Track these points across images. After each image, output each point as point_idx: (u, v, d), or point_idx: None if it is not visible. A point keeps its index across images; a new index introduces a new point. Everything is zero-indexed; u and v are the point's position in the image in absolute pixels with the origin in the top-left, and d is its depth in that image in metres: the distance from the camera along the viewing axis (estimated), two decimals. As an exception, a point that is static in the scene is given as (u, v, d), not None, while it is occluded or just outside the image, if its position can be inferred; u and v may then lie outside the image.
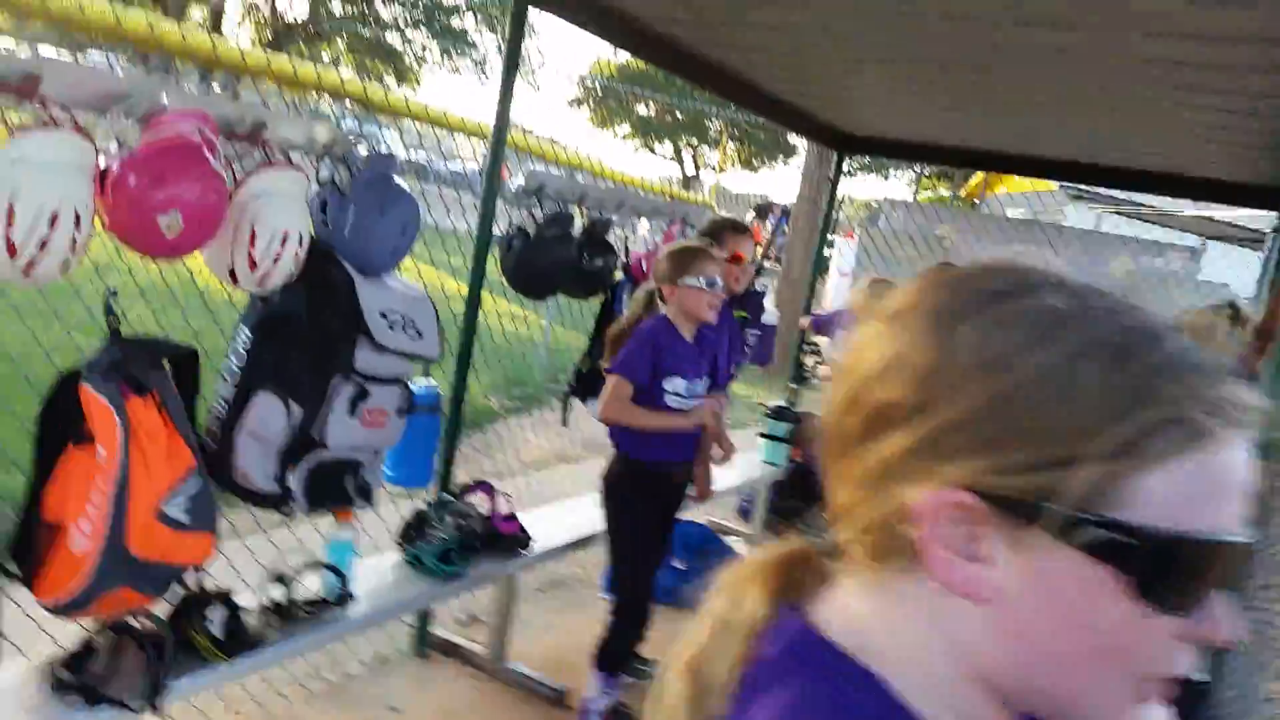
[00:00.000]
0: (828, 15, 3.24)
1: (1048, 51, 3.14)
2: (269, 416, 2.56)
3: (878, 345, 0.66)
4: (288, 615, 2.55)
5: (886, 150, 5.89)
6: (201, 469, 2.24)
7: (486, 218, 3.44)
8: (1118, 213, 14.28)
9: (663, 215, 4.48)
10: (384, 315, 2.65)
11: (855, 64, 3.93)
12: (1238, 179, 4.80)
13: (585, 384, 4.36)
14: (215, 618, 2.33)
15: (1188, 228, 14.00)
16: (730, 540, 5.24)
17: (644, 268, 4.28)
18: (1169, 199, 11.32)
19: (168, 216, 2.10)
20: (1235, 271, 7.89)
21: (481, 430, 6.48)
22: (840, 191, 6.29)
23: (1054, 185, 14.14)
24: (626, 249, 4.23)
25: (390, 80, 25.38)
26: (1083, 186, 13.67)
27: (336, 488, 2.78)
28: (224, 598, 2.40)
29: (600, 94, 32.70)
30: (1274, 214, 9.34)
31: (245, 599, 2.51)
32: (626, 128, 35.01)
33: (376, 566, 3.05)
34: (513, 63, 3.40)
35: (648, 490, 3.31)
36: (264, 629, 2.46)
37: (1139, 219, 13.79)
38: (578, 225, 3.81)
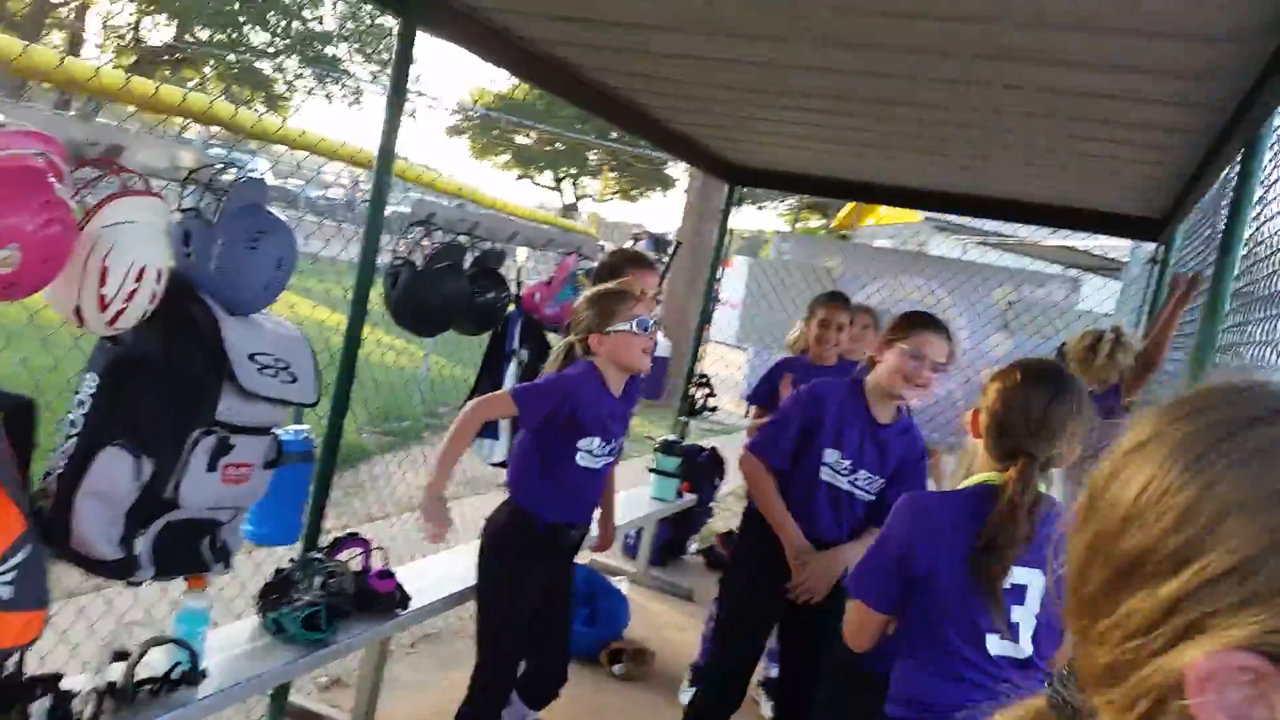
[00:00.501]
0: (722, 46, 3.15)
1: (931, 83, 3.12)
2: (116, 474, 2.23)
3: (1120, 486, 0.58)
4: (126, 699, 2.22)
5: (776, 182, 5.86)
6: (32, 535, 1.92)
7: (370, 248, 3.17)
8: (982, 244, 14.81)
9: (556, 246, 4.28)
10: (253, 358, 2.36)
11: (746, 96, 3.86)
12: (1121, 210, 4.92)
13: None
14: (37, 710, 2.00)
15: (1050, 257, 14.64)
16: (615, 580, 5.04)
17: (536, 300, 4.07)
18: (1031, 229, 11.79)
19: (4, 251, 1.80)
20: (1114, 301, 8.17)
21: (353, 469, 6.12)
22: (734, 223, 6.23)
23: (920, 216, 14.63)
24: (518, 281, 4.02)
25: (261, 107, 24.60)
26: (948, 218, 14.17)
27: (190, 551, 2.46)
28: (51, 682, 2.06)
29: (480, 123, 32.37)
30: (1134, 243, 9.81)
31: (76, 680, 2.18)
32: (507, 157, 34.77)
33: (232, 635, 2.72)
34: (400, 87, 3.17)
35: (538, 551, 2.93)
36: (97, 718, 2.13)
37: (1003, 249, 14.33)
38: (468, 257, 3.58)
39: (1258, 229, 2.81)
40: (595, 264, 4.37)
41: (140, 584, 2.40)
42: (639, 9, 2.92)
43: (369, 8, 24.56)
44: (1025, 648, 1.89)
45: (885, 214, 14.88)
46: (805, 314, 4.25)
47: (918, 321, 2.84)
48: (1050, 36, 2.42)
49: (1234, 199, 2.56)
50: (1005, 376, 2.00)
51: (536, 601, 2.96)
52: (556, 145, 32.84)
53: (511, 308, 3.90)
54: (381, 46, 25.99)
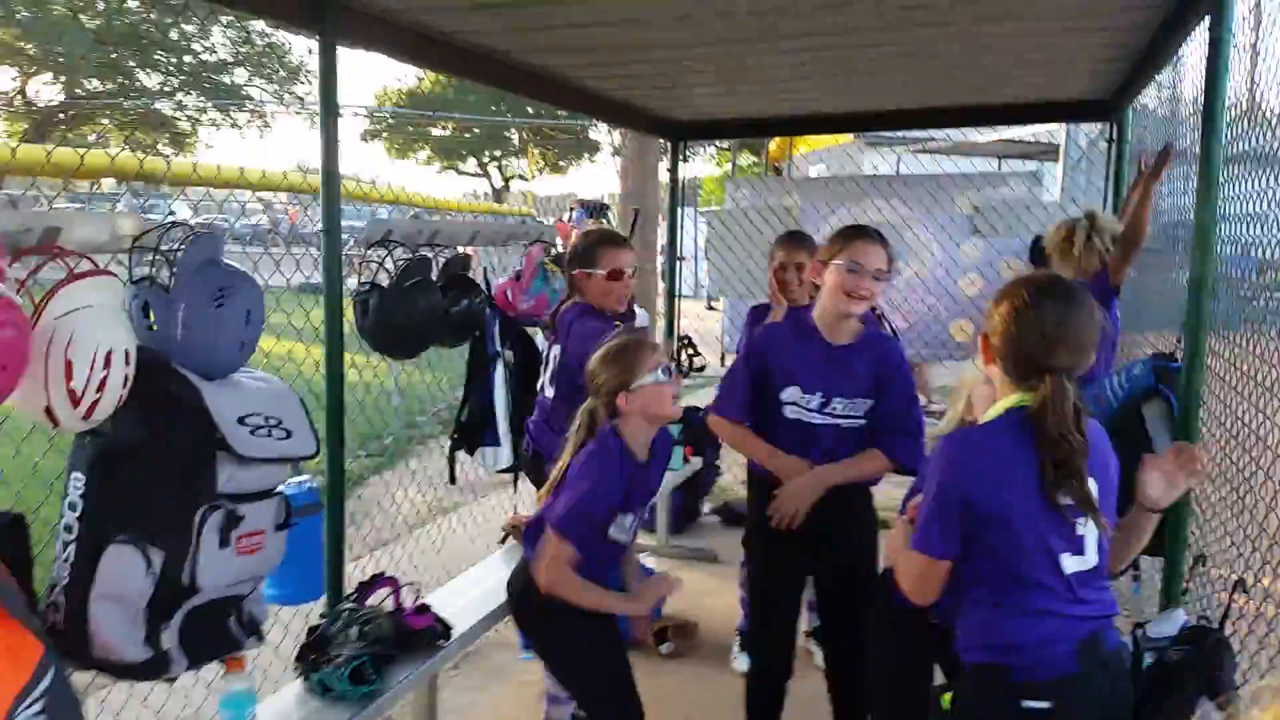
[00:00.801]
0: (642, 5, 3.04)
1: (866, 7, 3.06)
2: (126, 572, 2.09)
3: None
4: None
5: (721, 131, 5.75)
6: (52, 655, 1.79)
7: (333, 272, 3.00)
8: (915, 152, 14.82)
9: (518, 239, 4.14)
10: (243, 421, 2.22)
11: (677, 52, 3.76)
12: (1072, 96, 4.86)
13: (466, 433, 4.00)
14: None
15: (983, 152, 14.67)
16: (640, 559, 4.97)
17: (509, 298, 3.94)
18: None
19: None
20: (1057, 186, 8.16)
21: (349, 498, 5.98)
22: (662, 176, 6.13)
23: (850, 136, 14.59)
24: (487, 281, 3.88)
25: (168, 150, 24.02)
26: (876, 133, 14.15)
27: (219, 633, 2.33)
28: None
29: (394, 123, 31.80)
30: (1069, 126, 9.81)
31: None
32: (426, 152, 34.25)
33: (280, 708, 2.60)
34: (330, 106, 3.01)
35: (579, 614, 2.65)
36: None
37: (936, 153, 14.35)
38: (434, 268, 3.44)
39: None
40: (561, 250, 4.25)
41: (175, 679, 2.27)
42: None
43: (258, 30, 23.92)
44: (1092, 558, 1.88)
45: (814, 139, 14.79)
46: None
47: (850, 234, 2.78)
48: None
49: (1209, 69, 2.49)
50: (1012, 296, 1.94)
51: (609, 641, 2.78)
52: (475, 131, 32.39)
53: (487, 310, 3.77)
54: (279, 66, 25.36)
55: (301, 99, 25.29)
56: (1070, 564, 1.85)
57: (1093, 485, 1.86)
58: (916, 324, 5.70)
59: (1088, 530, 1.87)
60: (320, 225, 3.05)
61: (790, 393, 2.84)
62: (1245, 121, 2.96)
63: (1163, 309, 4.12)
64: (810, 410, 2.83)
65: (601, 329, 2.98)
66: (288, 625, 3.29)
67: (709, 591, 4.81)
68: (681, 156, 5.85)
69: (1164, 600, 2.66)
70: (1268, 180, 2.61)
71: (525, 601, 2.73)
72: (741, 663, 3.95)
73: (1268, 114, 2.81)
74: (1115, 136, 4.99)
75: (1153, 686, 1.93)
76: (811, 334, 2.83)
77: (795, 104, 5.13)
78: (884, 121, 5.76)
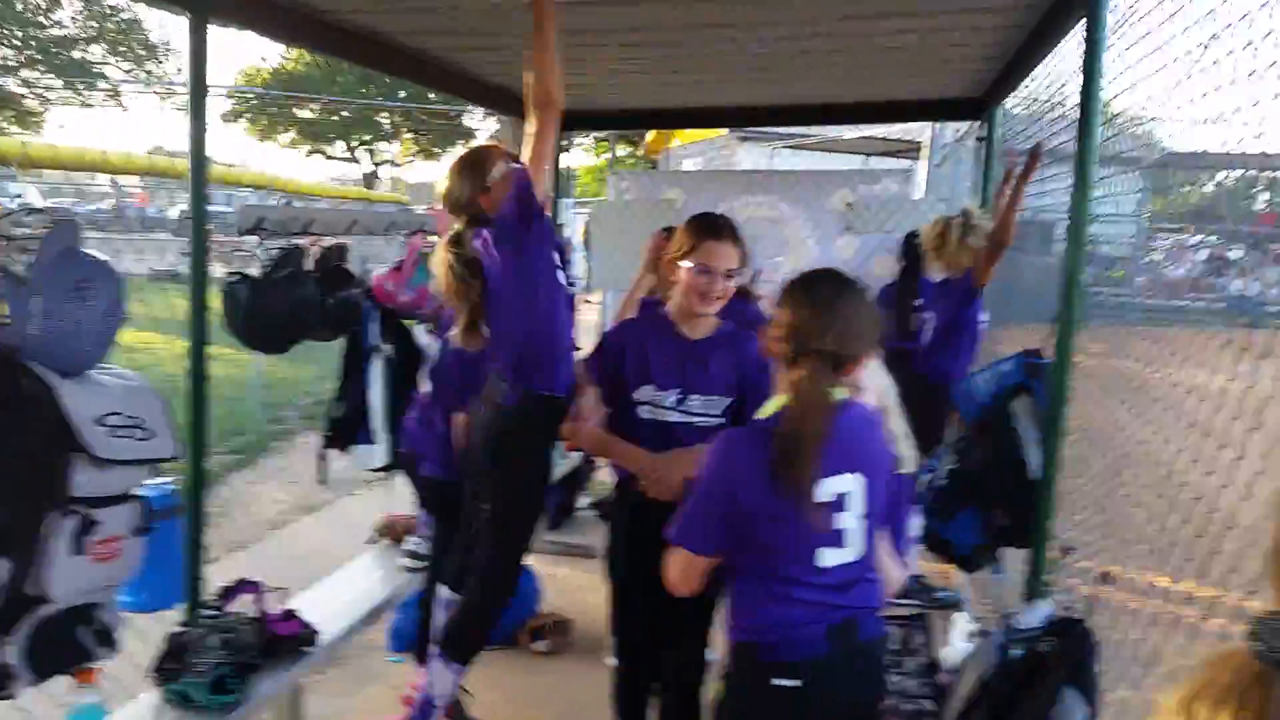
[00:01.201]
0: None
1: (744, 3, 3.07)
2: (-35, 585, 1.93)
3: None
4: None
5: (601, 122, 5.70)
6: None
7: (200, 262, 2.82)
8: (788, 147, 15.15)
9: (399, 228, 4.01)
10: (102, 421, 2.07)
11: (560, 38, 3.69)
12: (944, 95, 4.99)
13: (339, 431, 3.85)
14: None
15: (850, 149, 15.07)
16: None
17: (388, 289, 3.81)
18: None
19: None
20: (922, 184, 8.40)
21: (208, 497, 5.70)
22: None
23: (724, 131, 14.77)
24: (364, 272, 3.74)
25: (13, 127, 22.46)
26: (752, 128, 14.39)
27: (70, 644, 2.19)
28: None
29: (258, 104, 30.52)
30: (933, 125, 10.15)
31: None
32: (292, 134, 33.02)
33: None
34: (200, 88, 2.84)
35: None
36: None
37: (806, 149, 14.70)
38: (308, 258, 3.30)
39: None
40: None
41: (15, 697, 2.10)
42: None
43: (110, 4, 22.61)
44: (854, 550, 1.93)
45: (689, 132, 14.95)
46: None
47: (700, 233, 2.65)
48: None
49: (1085, 70, 2.57)
50: (787, 291, 2.00)
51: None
52: (344, 114, 31.43)
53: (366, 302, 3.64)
54: (135, 43, 24.01)
55: (159, 78, 24.06)
56: (828, 557, 1.90)
57: (850, 484, 1.91)
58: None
59: (847, 523, 1.91)
60: (185, 210, 2.87)
61: (646, 391, 2.70)
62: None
63: (1029, 304, 4.28)
64: (665, 409, 2.69)
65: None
66: (144, 632, 3.09)
67: (587, 587, 4.78)
68: (561, 147, 5.77)
69: (1028, 592, 2.73)
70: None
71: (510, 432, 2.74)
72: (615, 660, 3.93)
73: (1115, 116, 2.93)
74: (986, 134, 5.16)
75: (1022, 677, 2.00)
76: (668, 327, 2.71)
77: (674, 97, 5.12)
78: (761, 117, 5.83)
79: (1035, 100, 4.53)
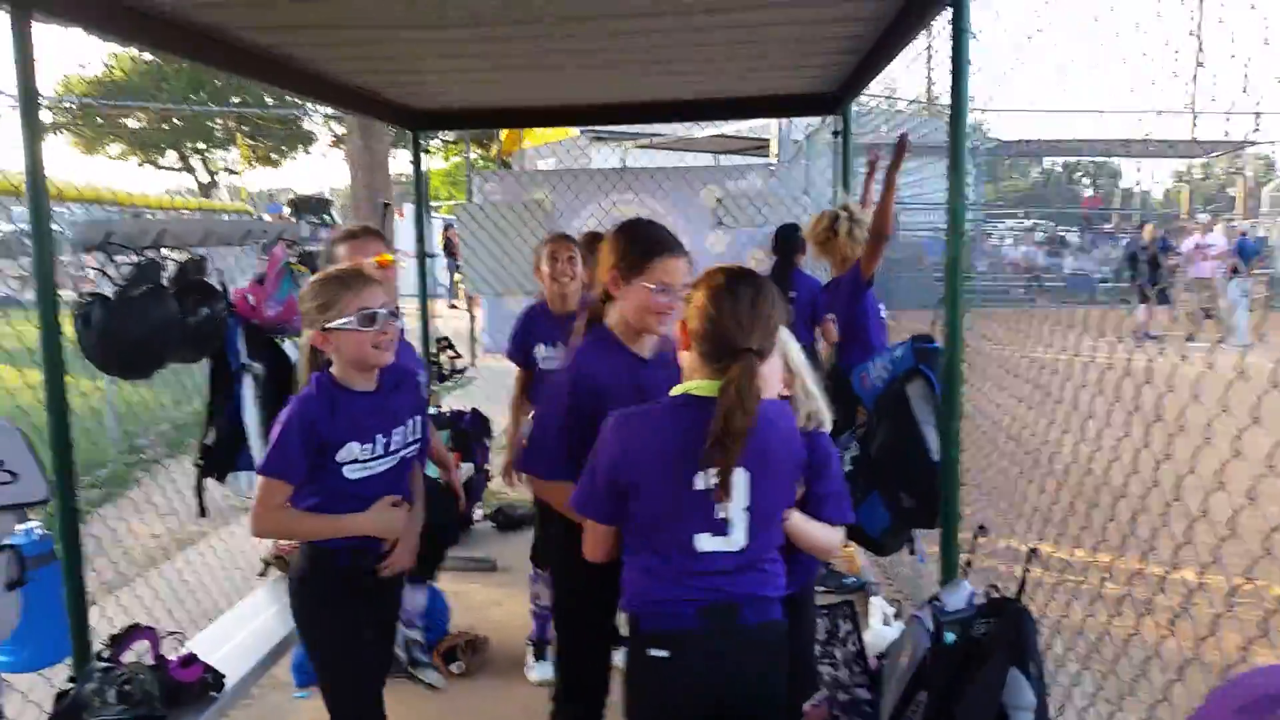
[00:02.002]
0: None
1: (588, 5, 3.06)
2: None
3: None
4: None
5: (459, 121, 5.56)
6: None
7: (46, 283, 2.58)
8: (639, 146, 15.25)
9: (255, 239, 3.80)
10: (-43, 466, 1.87)
11: (415, 34, 3.58)
12: (798, 91, 5.07)
13: (213, 458, 3.62)
14: None
15: (703, 148, 15.30)
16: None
17: (251, 303, 3.61)
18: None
19: None
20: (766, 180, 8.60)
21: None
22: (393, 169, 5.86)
23: (575, 131, 14.78)
24: (224, 286, 3.52)
25: None
26: (603, 128, 14.41)
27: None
28: None
29: (80, 114, 28.64)
30: (779, 122, 10.38)
31: None
32: (120, 146, 31.17)
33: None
34: (30, 93, 2.60)
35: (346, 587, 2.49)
36: None
37: (659, 148, 14.82)
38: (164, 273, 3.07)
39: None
40: (307, 248, 3.97)
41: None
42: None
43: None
44: (739, 540, 1.99)
45: (542, 133, 14.86)
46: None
47: (650, 250, 2.43)
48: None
49: (954, 61, 2.64)
50: (709, 283, 2.04)
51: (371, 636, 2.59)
52: (175, 121, 29.87)
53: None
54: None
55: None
56: (706, 543, 1.97)
57: (741, 474, 1.94)
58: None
59: (733, 513, 1.97)
60: (23, 225, 2.63)
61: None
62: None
63: (911, 291, 4.41)
64: None
65: None
66: (29, 691, 2.83)
67: (492, 601, 4.67)
68: (423, 148, 5.61)
69: (944, 573, 2.79)
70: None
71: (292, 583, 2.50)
72: (538, 672, 3.83)
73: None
74: (842, 129, 5.29)
75: (960, 660, 2.02)
76: (619, 349, 2.51)
77: (526, 95, 5.03)
78: (616, 114, 5.80)
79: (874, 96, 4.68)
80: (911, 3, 3.14)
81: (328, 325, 2.36)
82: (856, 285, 3.94)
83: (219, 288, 3.39)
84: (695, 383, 2.00)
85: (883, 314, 4.23)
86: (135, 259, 2.98)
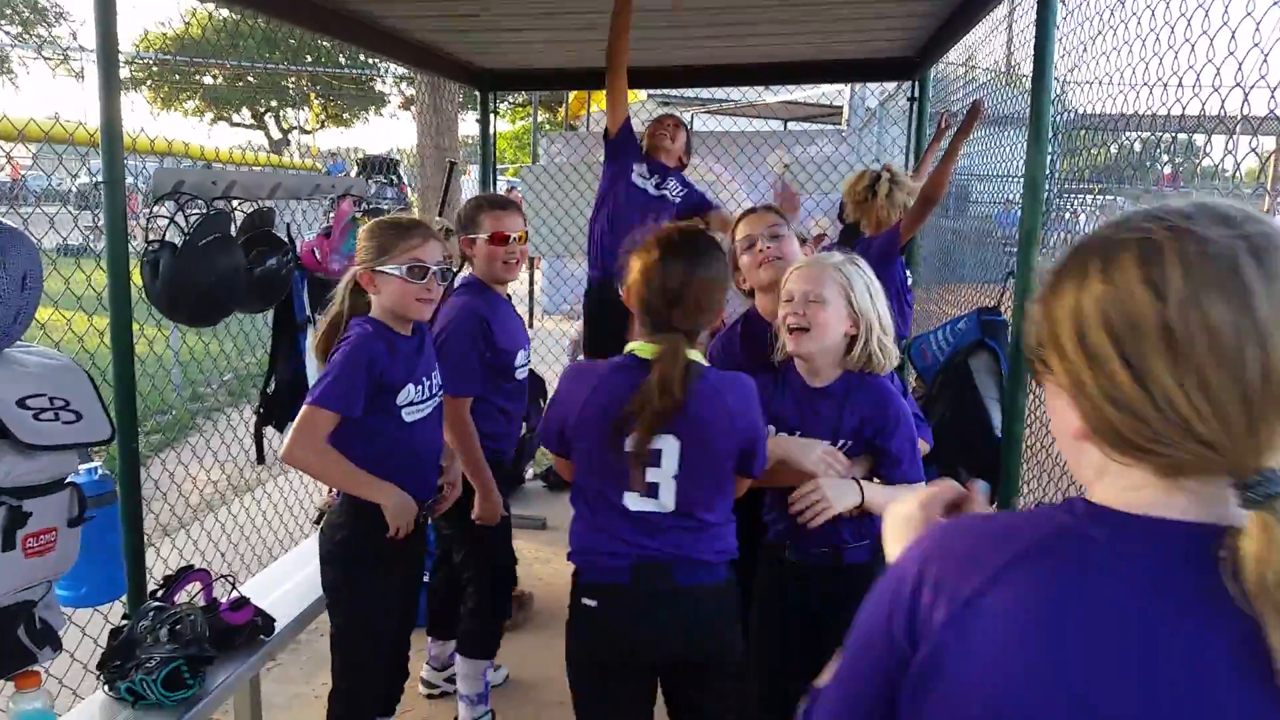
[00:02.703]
0: None
1: None
2: (-118, 587, 1.77)
3: None
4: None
5: (529, 82, 5.55)
6: None
7: (117, 230, 2.64)
8: (706, 112, 15.08)
9: (323, 193, 3.83)
10: (25, 404, 1.91)
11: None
12: (877, 55, 4.96)
13: (273, 408, 3.68)
14: None
15: (774, 114, 15.07)
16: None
17: (317, 256, 3.65)
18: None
19: None
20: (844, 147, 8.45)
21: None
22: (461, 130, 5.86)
23: (642, 95, 14.66)
24: (290, 239, 3.56)
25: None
26: (671, 92, 14.25)
27: (8, 647, 2.03)
28: None
29: (158, 71, 29.23)
30: (852, 89, 10.17)
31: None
32: (195, 102, 31.77)
33: (84, 720, 2.30)
34: (109, 45, 2.64)
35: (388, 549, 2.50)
36: None
37: (725, 114, 14.64)
38: (233, 224, 3.11)
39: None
40: (375, 204, 3.98)
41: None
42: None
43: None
44: (667, 503, 2.02)
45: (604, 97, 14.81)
46: None
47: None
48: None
49: (1039, 28, 2.55)
50: (644, 253, 2.05)
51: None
52: (249, 79, 30.31)
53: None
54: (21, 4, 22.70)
55: (49, 42, 22.84)
56: (634, 503, 2.02)
57: (666, 443, 1.98)
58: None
59: (663, 478, 2.00)
60: (99, 177, 2.67)
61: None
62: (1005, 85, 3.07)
63: (979, 263, 4.29)
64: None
65: (471, 312, 2.89)
66: (85, 627, 2.93)
67: (540, 559, 4.70)
68: (492, 108, 5.60)
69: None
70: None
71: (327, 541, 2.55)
72: None
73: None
74: (917, 95, 5.15)
75: None
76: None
77: (601, 58, 4.99)
78: (689, 78, 5.72)
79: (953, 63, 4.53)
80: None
81: (378, 268, 2.40)
82: (889, 249, 3.81)
83: (286, 240, 3.42)
84: (639, 344, 2.05)
85: (909, 289, 4.05)
86: (204, 209, 3.01)
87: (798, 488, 2.19)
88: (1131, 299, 0.77)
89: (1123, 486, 0.82)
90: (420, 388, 2.49)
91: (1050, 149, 2.63)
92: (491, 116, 5.60)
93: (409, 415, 2.46)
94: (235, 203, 3.22)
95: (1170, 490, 0.79)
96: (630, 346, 2.05)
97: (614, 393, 2.00)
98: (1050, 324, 0.85)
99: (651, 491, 2.00)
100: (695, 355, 2.01)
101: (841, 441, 2.25)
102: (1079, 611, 0.76)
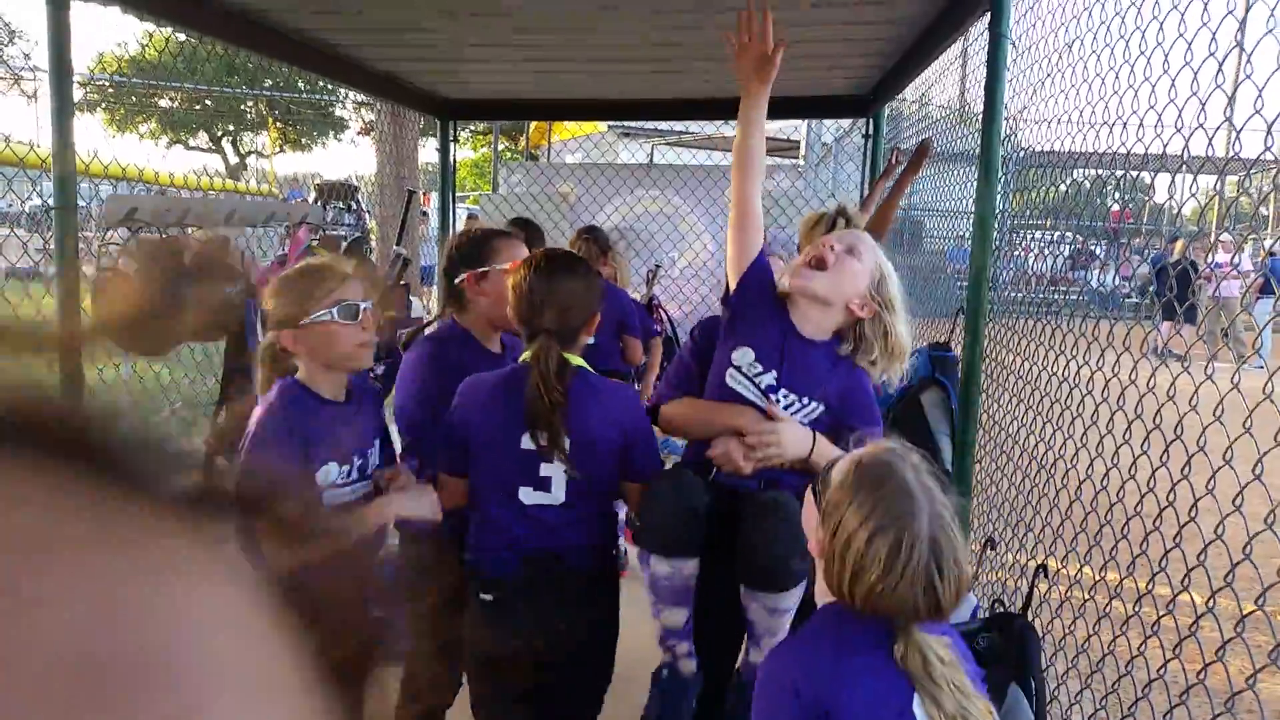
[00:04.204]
0: None
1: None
2: None
3: None
4: None
5: (491, 112, 5.57)
6: None
7: (69, 255, 2.62)
8: (668, 144, 15.24)
9: (279, 220, 3.81)
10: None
11: (454, 24, 3.58)
12: (832, 93, 5.05)
13: (225, 441, 3.63)
14: None
15: (729, 147, 15.25)
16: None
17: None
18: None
19: None
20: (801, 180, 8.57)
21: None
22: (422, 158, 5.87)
23: (603, 127, 14.77)
24: (246, 267, 3.53)
25: None
26: (630, 124, 14.40)
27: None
28: None
29: (114, 93, 28.94)
30: (809, 124, 10.31)
31: None
32: (151, 124, 31.46)
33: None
34: (62, 70, 2.63)
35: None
36: None
37: (685, 146, 14.79)
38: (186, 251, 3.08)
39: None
40: (331, 232, 3.97)
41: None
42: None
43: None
44: (559, 496, 2.15)
45: (569, 127, 14.88)
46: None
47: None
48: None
49: (989, 67, 2.61)
50: (514, 271, 2.24)
51: None
52: (207, 103, 30.09)
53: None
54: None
55: (3, 62, 22.52)
56: (529, 496, 2.15)
57: (561, 436, 2.11)
58: (692, 313, 5.80)
59: (554, 472, 2.14)
60: (50, 201, 2.64)
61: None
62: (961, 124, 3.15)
63: (931, 297, 4.36)
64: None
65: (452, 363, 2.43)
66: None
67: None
68: (452, 137, 5.61)
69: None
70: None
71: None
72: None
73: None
74: (871, 132, 5.25)
75: None
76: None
77: (561, 89, 5.05)
78: (647, 110, 5.80)
79: (907, 100, 4.63)
80: (949, 7, 3.11)
81: (303, 321, 2.03)
82: None
83: (240, 268, 3.40)
84: (529, 351, 2.20)
85: None
86: (160, 236, 2.98)
87: (754, 427, 2.14)
88: None
89: None
90: (347, 469, 2.12)
91: (1000, 186, 2.69)
92: (452, 145, 5.61)
93: (326, 499, 2.08)
94: (190, 229, 3.20)
95: None
96: (525, 355, 2.21)
97: (509, 395, 2.13)
98: None
99: (544, 485, 2.14)
100: (573, 358, 2.16)
101: (814, 406, 2.16)
102: None
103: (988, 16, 2.65)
